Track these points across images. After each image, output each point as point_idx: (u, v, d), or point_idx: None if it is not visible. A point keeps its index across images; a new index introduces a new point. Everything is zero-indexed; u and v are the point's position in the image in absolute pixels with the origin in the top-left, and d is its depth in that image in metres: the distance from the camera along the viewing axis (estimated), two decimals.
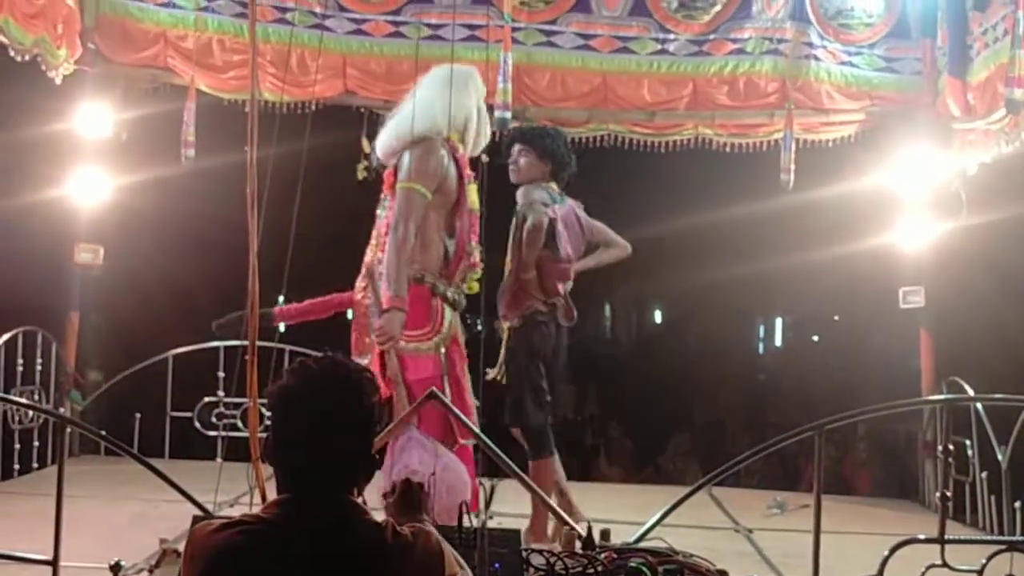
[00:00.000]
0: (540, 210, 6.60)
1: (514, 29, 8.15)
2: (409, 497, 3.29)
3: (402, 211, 5.90)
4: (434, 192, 5.99)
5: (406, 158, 6.01)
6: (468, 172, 6.20)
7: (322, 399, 2.83)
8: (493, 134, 6.62)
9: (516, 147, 6.84)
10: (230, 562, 2.73)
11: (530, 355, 6.60)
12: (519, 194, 6.80)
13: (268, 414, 2.93)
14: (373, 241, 6.21)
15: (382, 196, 6.24)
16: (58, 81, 8.26)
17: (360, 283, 6.24)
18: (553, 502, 5.93)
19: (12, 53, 7.57)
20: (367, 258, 6.21)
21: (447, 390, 5.80)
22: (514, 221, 6.73)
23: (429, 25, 8.90)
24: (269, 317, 6.51)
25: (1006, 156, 7.85)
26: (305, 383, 2.87)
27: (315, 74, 8.49)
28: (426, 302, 5.97)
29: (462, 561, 3.08)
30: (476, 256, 6.24)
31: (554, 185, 6.79)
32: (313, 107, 8.50)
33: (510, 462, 5.53)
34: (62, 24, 8.18)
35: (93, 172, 8.99)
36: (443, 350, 5.99)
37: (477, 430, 5.35)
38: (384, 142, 6.20)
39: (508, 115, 7.69)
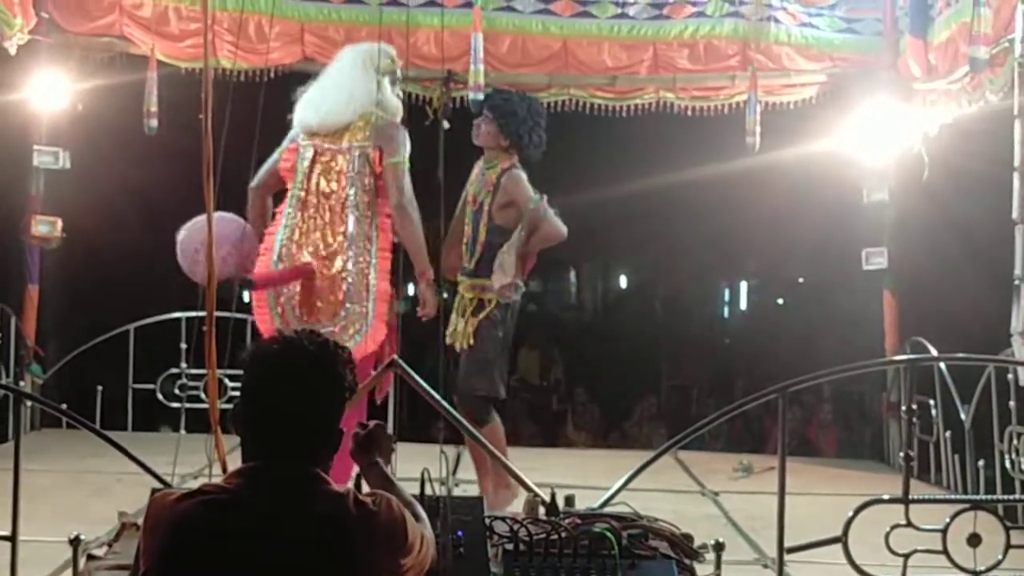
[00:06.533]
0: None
1: None
2: (374, 438, 3.25)
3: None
4: None
5: (400, 136, 6.22)
6: None
7: (298, 367, 2.80)
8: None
9: (485, 110, 6.83)
10: (190, 532, 2.70)
11: (510, 328, 6.65)
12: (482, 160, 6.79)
13: (231, 385, 2.89)
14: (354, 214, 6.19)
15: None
16: (12, 51, 8.13)
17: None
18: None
19: None
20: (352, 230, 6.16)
21: None
22: (476, 188, 6.72)
23: None
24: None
25: (967, 116, 7.86)
26: (282, 350, 2.84)
27: (270, 40, 8.41)
28: None
29: (422, 512, 3.07)
30: None
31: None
32: (272, 74, 8.49)
33: (473, 430, 5.52)
34: None
35: (50, 143, 8.86)
36: None
37: (438, 397, 5.33)
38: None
39: (481, 96, 7.65)
